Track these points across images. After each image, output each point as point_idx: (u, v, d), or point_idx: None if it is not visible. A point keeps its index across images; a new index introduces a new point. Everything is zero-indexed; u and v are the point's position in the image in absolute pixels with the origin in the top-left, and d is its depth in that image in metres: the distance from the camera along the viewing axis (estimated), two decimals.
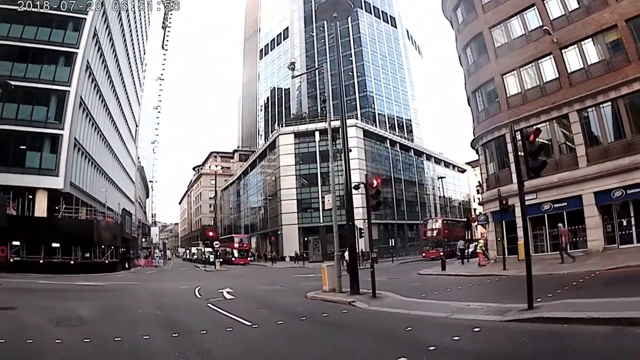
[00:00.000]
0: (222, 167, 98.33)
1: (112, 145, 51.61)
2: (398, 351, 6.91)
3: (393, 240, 53.75)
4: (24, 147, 33.89)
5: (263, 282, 24.85)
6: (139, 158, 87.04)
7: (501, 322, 8.69)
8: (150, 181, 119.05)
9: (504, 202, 23.23)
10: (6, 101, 30.33)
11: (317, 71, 78.35)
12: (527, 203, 24.30)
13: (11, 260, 30.64)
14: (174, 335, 9.11)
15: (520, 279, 16.04)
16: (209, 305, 14.14)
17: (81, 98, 36.88)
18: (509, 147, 25.82)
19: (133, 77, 66.41)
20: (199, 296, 17.43)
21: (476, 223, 42.57)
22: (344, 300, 13.74)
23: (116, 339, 8.60)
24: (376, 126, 70.11)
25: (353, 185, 16.61)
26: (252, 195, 79.53)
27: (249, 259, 60.60)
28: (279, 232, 62.53)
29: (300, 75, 67.82)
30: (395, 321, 10.17)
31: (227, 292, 17.98)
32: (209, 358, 7.32)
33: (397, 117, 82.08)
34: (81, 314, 12.14)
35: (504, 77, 27.39)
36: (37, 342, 8.37)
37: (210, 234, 47.84)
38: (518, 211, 23.49)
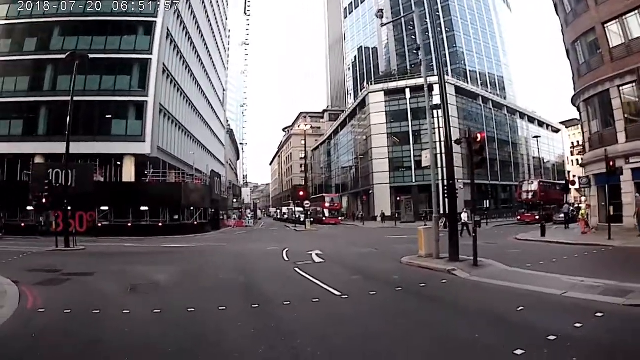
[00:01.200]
0: (312, 127, 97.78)
1: (199, 109, 52.47)
2: (512, 341, 5.67)
3: (487, 201, 50.37)
4: (109, 115, 35.08)
5: (354, 244, 23.61)
6: (227, 121, 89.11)
7: (625, 307, 7.43)
8: (240, 143, 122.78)
9: (610, 163, 19.81)
10: (88, 74, 31.11)
11: (404, 28, 75.26)
12: (634, 166, 20.64)
13: (99, 225, 32.04)
14: (253, 306, 8.29)
15: (629, 251, 15.47)
16: (296, 269, 13.11)
17: (164, 65, 37.32)
18: (614, 104, 22.84)
19: (217, 43, 66.94)
20: (286, 259, 16.49)
21: (577, 186, 38.59)
22: (442, 268, 12.38)
23: (189, 309, 7.90)
24: (467, 83, 66.41)
25: (453, 140, 14.46)
26: (343, 155, 78.66)
27: (339, 218, 59.98)
28: (370, 192, 61.28)
29: (389, 22, 64.96)
30: (502, 298, 8.89)
31: (317, 255, 16.97)
32: (288, 341, 6.07)
33: (488, 73, 79.29)
34: (159, 280, 11.61)
35: (605, 26, 23.35)
36: (103, 313, 7.69)
37: (301, 193, 47.25)
38: (627, 174, 21.16)
